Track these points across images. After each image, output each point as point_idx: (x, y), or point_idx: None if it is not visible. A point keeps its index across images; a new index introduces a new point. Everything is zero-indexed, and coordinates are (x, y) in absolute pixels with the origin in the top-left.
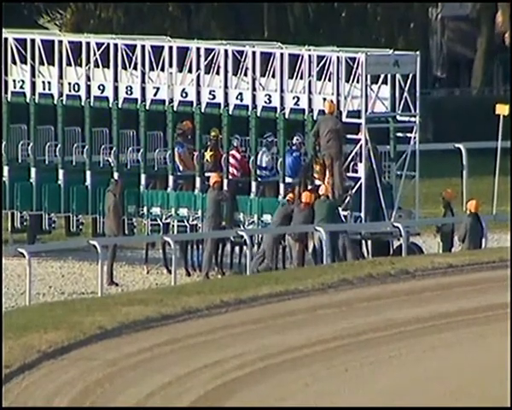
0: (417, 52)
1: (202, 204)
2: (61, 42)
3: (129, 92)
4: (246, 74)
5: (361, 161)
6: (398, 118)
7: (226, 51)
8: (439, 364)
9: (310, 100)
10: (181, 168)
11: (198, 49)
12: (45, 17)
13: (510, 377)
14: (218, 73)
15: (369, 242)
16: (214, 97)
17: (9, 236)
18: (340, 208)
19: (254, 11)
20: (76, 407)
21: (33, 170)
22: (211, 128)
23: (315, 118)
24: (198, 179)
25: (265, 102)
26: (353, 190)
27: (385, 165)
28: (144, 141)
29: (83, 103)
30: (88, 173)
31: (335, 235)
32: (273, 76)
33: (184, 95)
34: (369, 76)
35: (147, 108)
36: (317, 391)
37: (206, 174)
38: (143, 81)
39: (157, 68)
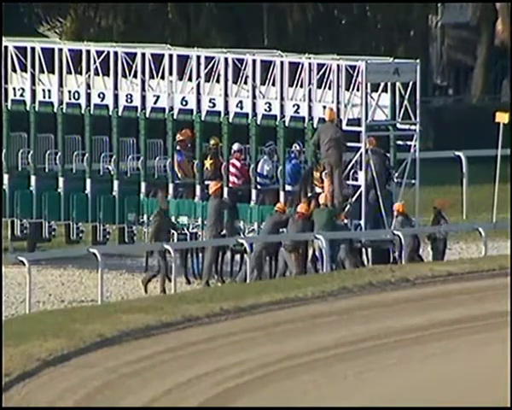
0: (417, 60)
1: (202, 212)
2: (61, 50)
3: (129, 100)
4: (246, 82)
5: (361, 169)
6: (399, 126)
7: (226, 59)
8: (438, 371)
9: (310, 108)
10: (179, 176)
11: (198, 57)
12: (45, 25)
13: (510, 383)
14: (218, 81)
15: (369, 249)
16: (214, 105)
17: (9, 244)
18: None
19: (254, 19)
20: (76, 407)
21: (33, 178)
22: (211, 136)
23: (315, 126)
24: (198, 187)
25: (265, 110)
26: (353, 198)
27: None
28: (144, 149)
29: (83, 111)
30: (88, 181)
31: (335, 243)
32: (273, 84)
33: (184, 103)
34: (369, 84)
35: (147, 116)
36: (316, 398)
37: (206, 182)
38: (143, 89)
39: (157, 76)
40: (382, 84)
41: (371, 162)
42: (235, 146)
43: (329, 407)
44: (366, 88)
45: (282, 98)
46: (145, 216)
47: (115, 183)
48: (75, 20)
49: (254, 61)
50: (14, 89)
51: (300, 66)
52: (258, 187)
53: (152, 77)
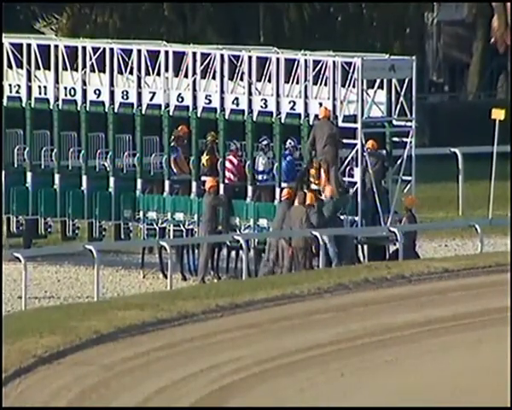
0: (413, 57)
1: (198, 209)
2: (56, 46)
3: (125, 97)
4: (242, 79)
5: (357, 166)
6: (394, 122)
7: (222, 56)
8: (435, 368)
9: (306, 105)
10: (175, 171)
11: (194, 53)
12: (41, 22)
13: (510, 381)
14: (214, 77)
15: (365, 246)
16: (210, 102)
17: (5, 240)
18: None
19: (250, 16)
20: (74, 406)
21: (29, 174)
22: (207, 133)
23: (311, 122)
24: (194, 184)
25: (261, 107)
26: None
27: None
28: (140, 145)
29: (79, 108)
30: (84, 178)
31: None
32: (269, 81)
33: (180, 99)
34: (365, 81)
35: (143, 112)
36: (312, 396)
37: (202, 179)
38: (139, 86)
39: (153, 73)
40: (378, 81)
41: (369, 165)
42: (232, 145)
43: (326, 406)
44: (362, 85)
45: (277, 95)
46: (141, 213)
47: (111, 179)
48: (71, 16)
49: (250, 57)
50: (9, 85)
51: (296, 62)
52: (257, 183)
53: (148, 73)
